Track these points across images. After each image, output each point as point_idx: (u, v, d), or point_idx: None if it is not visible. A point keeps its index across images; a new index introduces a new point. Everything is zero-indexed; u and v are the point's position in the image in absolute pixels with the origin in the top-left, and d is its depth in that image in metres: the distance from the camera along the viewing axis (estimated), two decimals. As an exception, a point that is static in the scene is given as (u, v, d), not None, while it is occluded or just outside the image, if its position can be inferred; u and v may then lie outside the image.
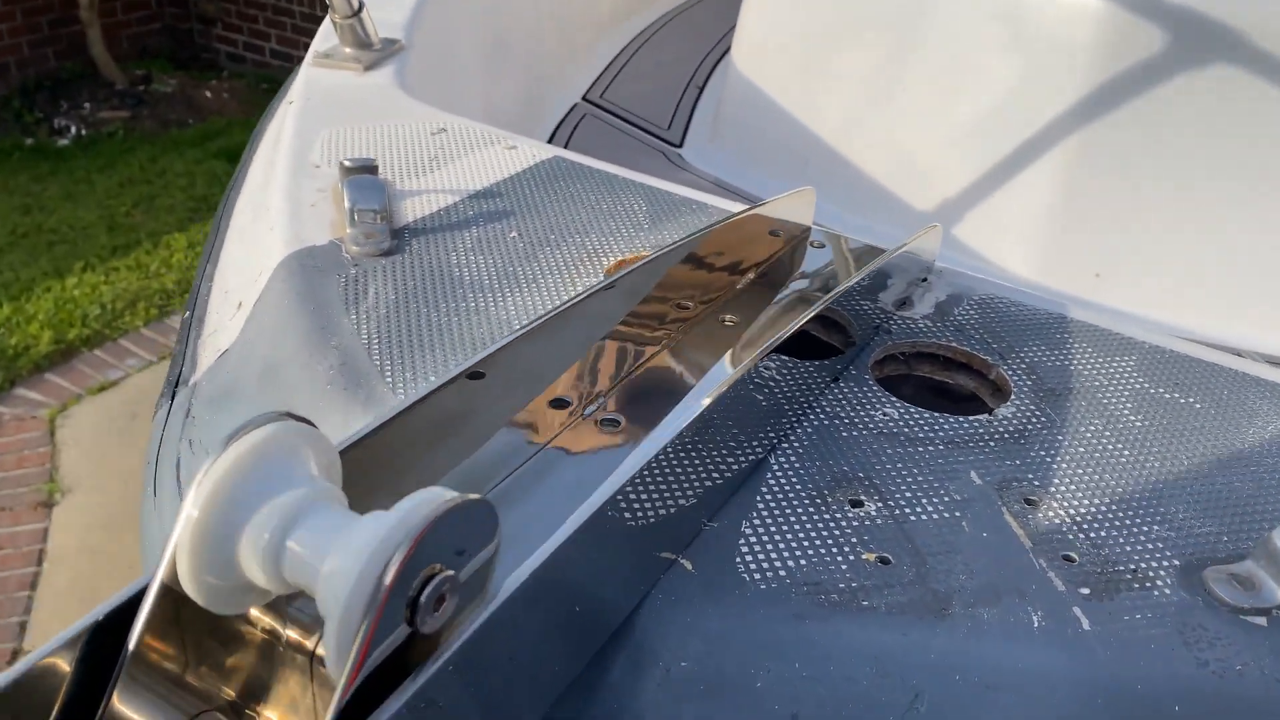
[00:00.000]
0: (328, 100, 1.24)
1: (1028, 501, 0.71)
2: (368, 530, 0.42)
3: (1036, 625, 0.61)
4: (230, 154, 4.49)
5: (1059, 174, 1.82)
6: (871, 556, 0.65)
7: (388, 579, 0.40)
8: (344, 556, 0.42)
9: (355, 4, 1.32)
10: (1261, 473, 0.76)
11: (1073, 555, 0.66)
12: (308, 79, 1.29)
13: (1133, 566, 0.66)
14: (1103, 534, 0.68)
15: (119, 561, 2.41)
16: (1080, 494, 0.72)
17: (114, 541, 2.46)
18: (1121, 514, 0.70)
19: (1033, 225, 1.86)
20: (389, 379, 0.77)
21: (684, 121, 2.45)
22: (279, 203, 1.00)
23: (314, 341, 0.81)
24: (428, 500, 0.43)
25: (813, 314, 0.80)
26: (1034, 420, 0.79)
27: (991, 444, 0.76)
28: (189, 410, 0.86)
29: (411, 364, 0.79)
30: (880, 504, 0.69)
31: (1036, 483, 0.73)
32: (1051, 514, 0.70)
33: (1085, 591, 0.63)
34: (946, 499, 0.70)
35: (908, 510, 0.69)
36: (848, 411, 0.78)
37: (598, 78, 2.63)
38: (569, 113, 2.44)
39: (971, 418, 0.79)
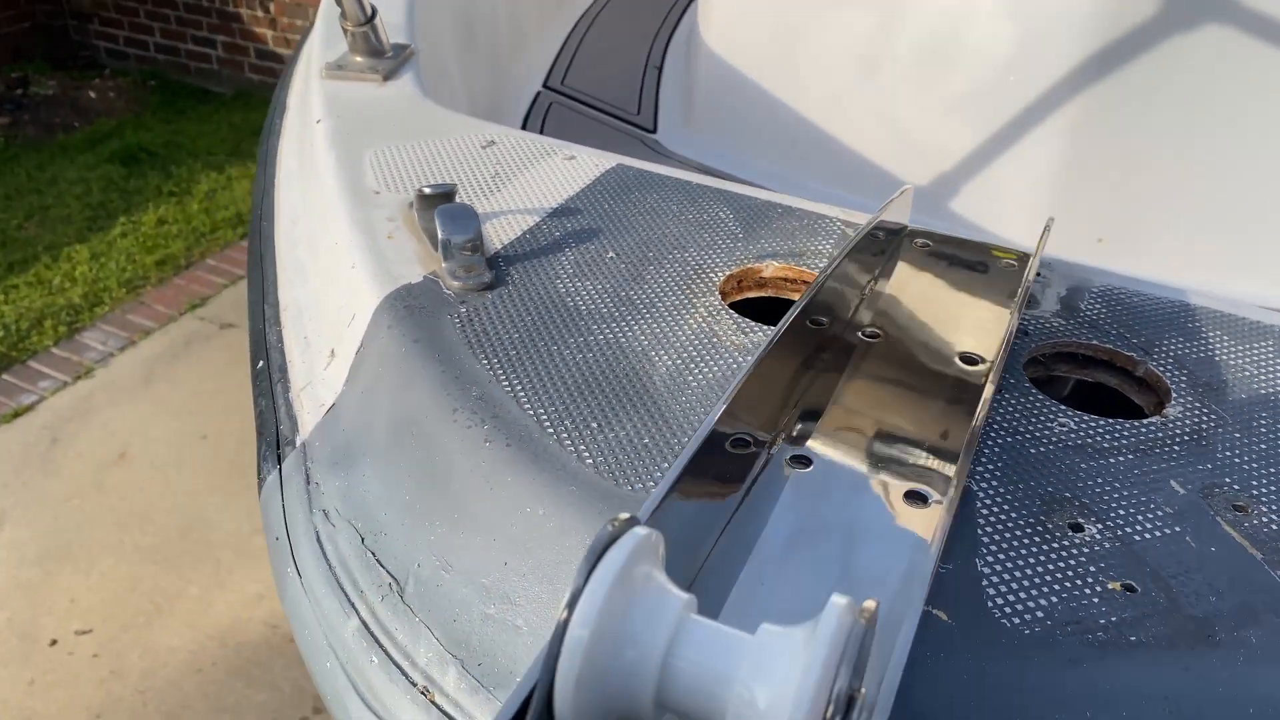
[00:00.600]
0: (358, 117, 1.16)
1: (1237, 509, 0.69)
2: (791, 653, 0.38)
3: (1305, 644, 0.60)
4: (125, 156, 4.24)
5: (1057, 140, 1.83)
6: (1117, 585, 0.63)
7: (829, 710, 0.36)
8: (770, 684, 0.37)
9: (368, 10, 1.24)
10: None
11: (1306, 563, 0.65)
12: (328, 95, 1.20)
13: (1367, 569, 0.65)
14: (1323, 537, 0.67)
15: (60, 595, 2.29)
16: (1283, 495, 0.71)
17: (51, 577, 2.34)
18: (1331, 513, 0.69)
19: (1032, 193, 1.87)
20: (550, 430, 0.71)
21: (651, 104, 2.40)
22: (354, 237, 0.93)
23: (449, 392, 0.75)
24: (839, 614, 0.38)
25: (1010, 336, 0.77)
26: (1207, 419, 0.78)
27: (1177, 448, 0.74)
28: (308, 476, 0.79)
29: (567, 411, 0.73)
30: (1099, 526, 0.67)
31: (1238, 487, 0.71)
32: (1265, 519, 0.68)
33: (1334, 602, 0.62)
34: (1160, 514, 0.68)
35: (1129, 530, 0.67)
36: (1025, 426, 0.76)
37: (554, 63, 2.56)
38: (534, 102, 2.36)
39: (1146, 421, 0.77)
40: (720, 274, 0.92)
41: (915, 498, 0.67)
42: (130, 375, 3.04)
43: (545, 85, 2.45)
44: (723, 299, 0.89)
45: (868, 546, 0.63)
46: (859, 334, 0.83)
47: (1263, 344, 0.87)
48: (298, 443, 0.82)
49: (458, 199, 0.96)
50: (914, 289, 0.91)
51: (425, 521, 0.70)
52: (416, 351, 0.79)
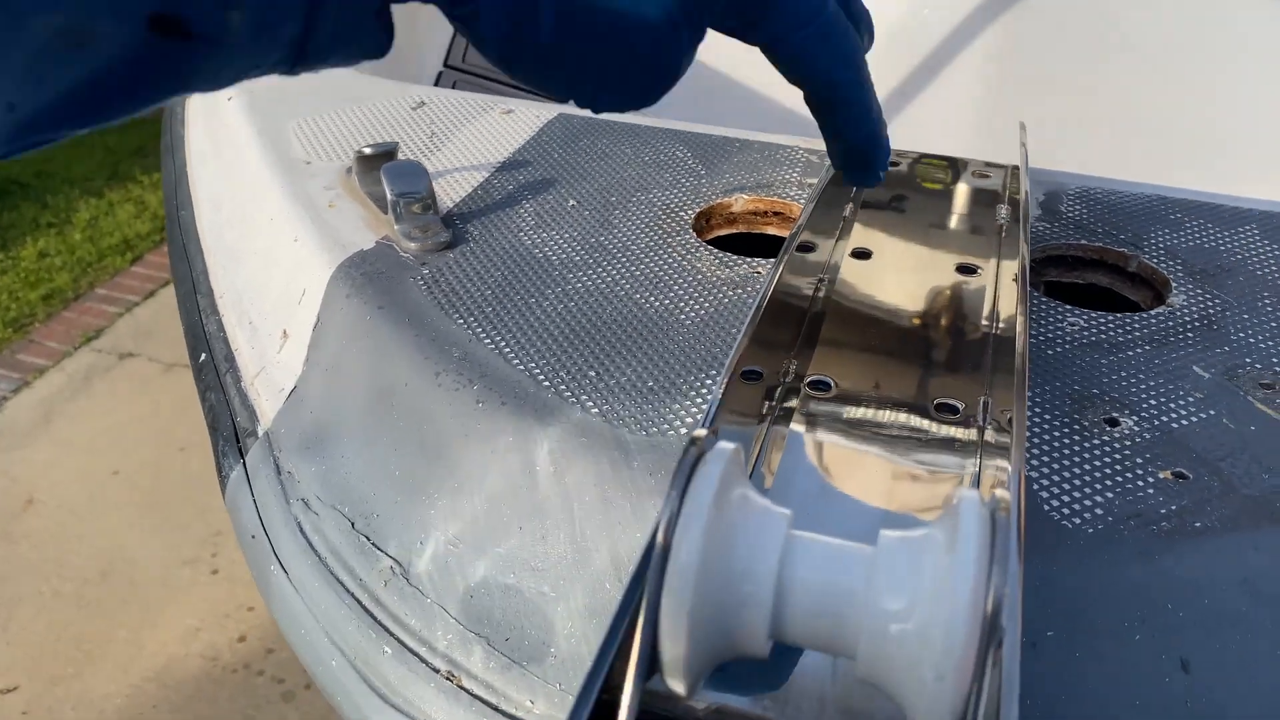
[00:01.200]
0: (272, 89, 1.08)
1: (1264, 386, 0.67)
2: (933, 558, 0.33)
3: (1368, 510, 0.57)
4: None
5: (977, 68, 1.82)
6: (1168, 474, 0.60)
7: (1000, 618, 0.31)
8: (915, 594, 0.32)
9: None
10: None
11: (1347, 431, 0.63)
12: (235, 70, 1.11)
13: (1406, 431, 0.63)
14: (1354, 404, 0.66)
15: None
16: (1304, 369, 0.69)
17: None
18: (1356, 381, 0.68)
19: (956, 121, 1.86)
20: (547, 384, 0.66)
21: None
22: (293, 210, 0.85)
23: (428, 355, 0.69)
24: (977, 508, 0.34)
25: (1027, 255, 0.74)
26: (1212, 304, 0.76)
27: (1190, 335, 0.72)
28: (278, 466, 0.71)
29: (560, 363, 0.68)
30: (1134, 418, 0.64)
31: (1260, 365, 0.69)
32: (1294, 394, 0.67)
33: (1385, 465, 0.61)
34: (1191, 400, 0.66)
35: (1165, 419, 0.64)
36: (1036, 328, 0.73)
37: (452, 41, 2.47)
38: (438, 82, 2.28)
39: (1154, 313, 0.75)
40: (690, 212, 0.87)
41: (946, 409, 0.63)
42: (28, 418, 2.86)
43: (446, 64, 2.37)
44: (698, 237, 0.84)
45: (909, 461, 0.59)
46: (846, 255, 0.79)
47: (1247, 227, 0.86)
48: (260, 433, 0.75)
49: (399, 157, 0.89)
50: (893, 209, 0.87)
51: (422, 496, 0.64)
52: (383, 318, 0.73)
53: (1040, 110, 1.83)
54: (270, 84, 1.05)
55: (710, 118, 2.08)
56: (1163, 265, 0.80)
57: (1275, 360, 0.70)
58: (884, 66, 1.89)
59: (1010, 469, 0.50)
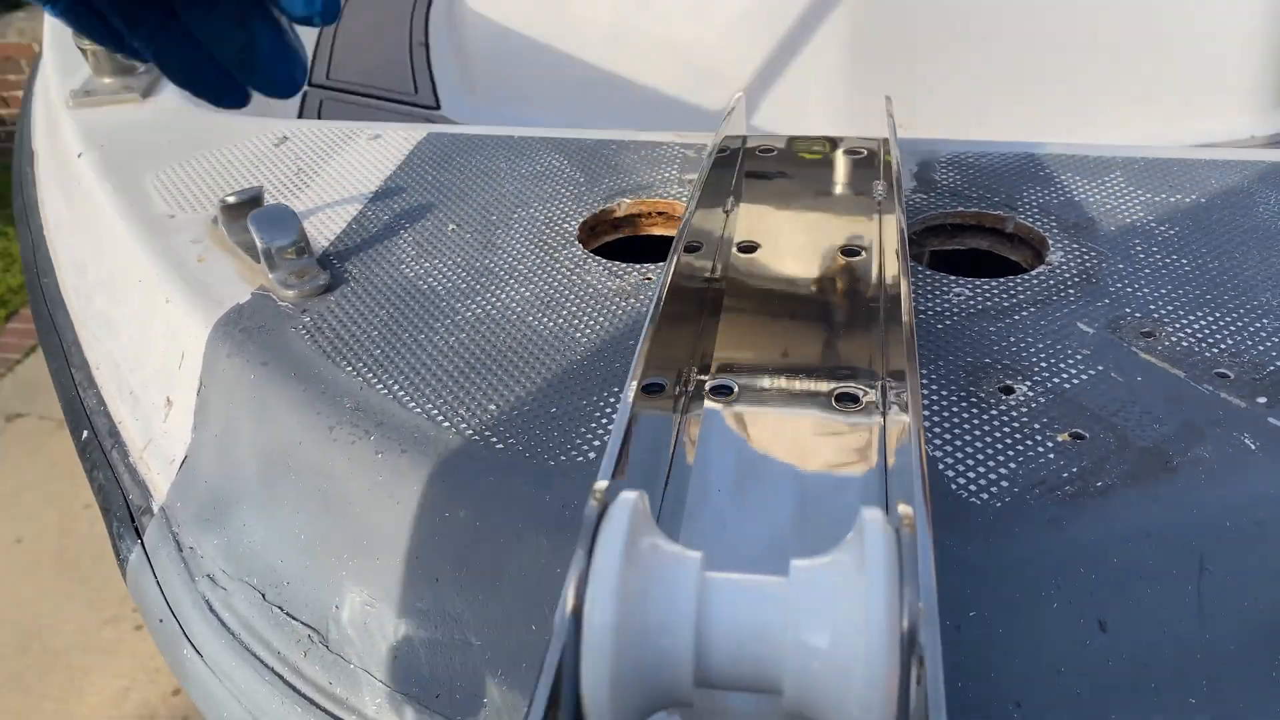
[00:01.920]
0: (125, 142, 1.03)
1: (1145, 334, 0.69)
2: (843, 583, 0.33)
3: (1253, 447, 0.60)
4: None
5: (841, 38, 1.84)
6: (1065, 436, 0.61)
7: (919, 635, 0.32)
8: (830, 623, 0.32)
9: (106, 22, 1.10)
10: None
11: (1225, 372, 0.65)
12: (83, 125, 1.06)
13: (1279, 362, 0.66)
14: (1230, 342, 0.68)
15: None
16: (1180, 312, 0.71)
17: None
18: (1229, 319, 0.70)
19: (829, 90, 1.88)
20: (446, 424, 0.64)
21: (428, 82, 2.29)
22: (160, 269, 0.82)
23: (319, 410, 0.67)
24: (881, 528, 0.34)
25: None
26: (1088, 257, 0.78)
27: (1072, 292, 0.74)
28: (179, 543, 0.69)
29: (458, 400, 0.66)
30: (1028, 384, 0.66)
31: (1139, 314, 0.71)
32: (1173, 339, 0.69)
33: (1263, 400, 0.63)
34: (1079, 358, 0.67)
35: (1057, 381, 0.66)
36: (924, 303, 0.74)
37: (313, 58, 2.40)
38: (303, 102, 2.21)
39: (1035, 273, 0.77)
40: (574, 223, 0.86)
41: (846, 399, 0.64)
42: (-85, 493, 2.72)
43: (310, 83, 2.30)
44: (584, 248, 0.83)
45: (816, 458, 0.60)
46: (734, 251, 0.79)
47: (1112, 175, 0.88)
48: (155, 509, 0.72)
49: (266, 201, 0.86)
50: (773, 197, 0.87)
51: (333, 557, 0.62)
52: (268, 375, 0.70)
53: (908, 75, 1.86)
54: (120, 135, 1.01)
55: (588, 119, 2.06)
56: (1038, 223, 0.82)
57: (1153, 308, 0.72)
58: (749, 47, 1.90)
59: (912, 460, 0.50)
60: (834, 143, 0.93)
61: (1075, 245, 0.79)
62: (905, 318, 0.58)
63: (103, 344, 0.86)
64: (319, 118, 2.12)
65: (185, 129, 1.05)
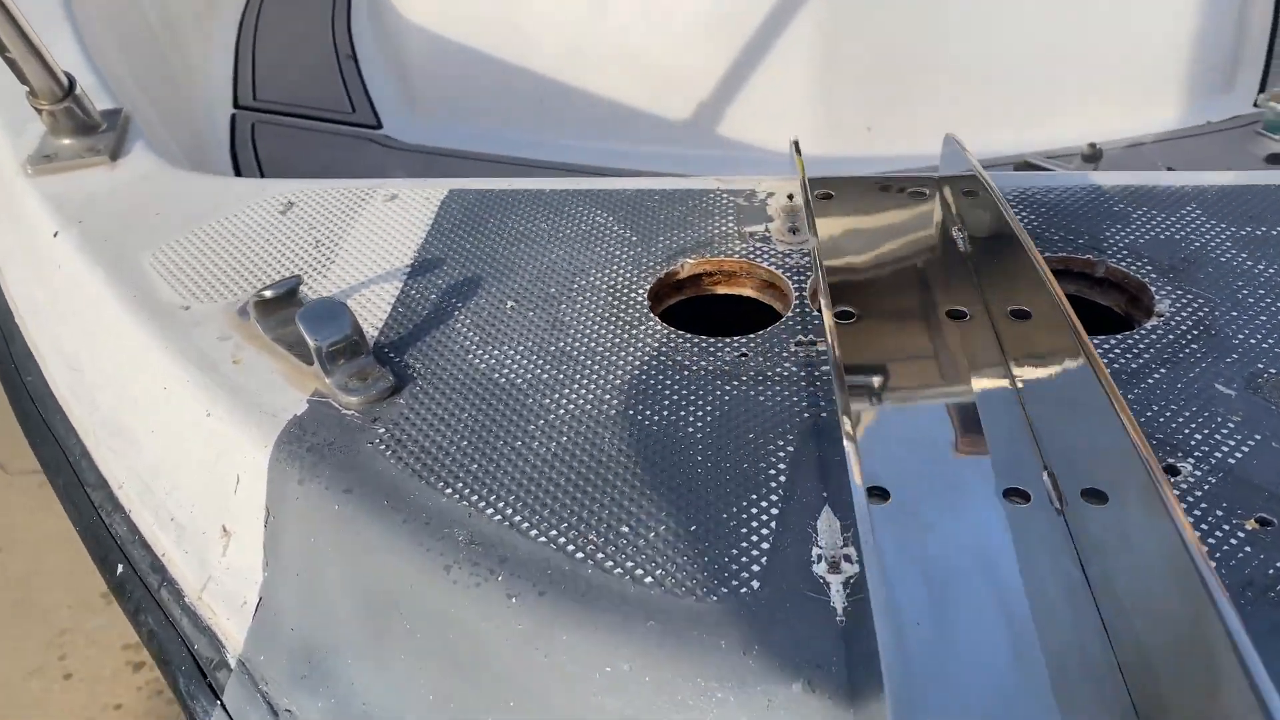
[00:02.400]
0: (107, 215, 0.92)
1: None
2: None
3: None
4: None
5: (807, 41, 1.80)
6: (1253, 524, 0.58)
7: None
8: None
9: (65, 80, 0.98)
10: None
11: None
12: (50, 196, 0.95)
13: None
14: None
15: None
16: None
17: None
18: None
19: (795, 100, 1.84)
20: (580, 555, 0.58)
21: (364, 98, 2.17)
22: (190, 374, 0.73)
23: (428, 544, 0.59)
24: None
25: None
26: (1197, 305, 0.75)
27: (1194, 347, 0.71)
28: (271, 704, 0.60)
29: (583, 521, 0.60)
30: (1190, 461, 0.62)
31: (1274, 369, 0.68)
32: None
33: None
34: (1231, 426, 0.64)
35: (1219, 456, 0.62)
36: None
37: (235, 80, 2.25)
38: (233, 128, 2.07)
39: (1150, 327, 0.73)
40: (640, 291, 0.80)
41: (1015, 494, 0.60)
42: None
43: (237, 105, 2.16)
44: (659, 320, 0.77)
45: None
46: (836, 318, 0.74)
47: (1188, 208, 0.86)
48: (231, 662, 0.63)
49: (302, 290, 0.78)
50: (843, 247, 0.82)
51: (472, 723, 0.55)
52: (355, 504, 0.62)
53: (874, 79, 1.83)
54: (98, 207, 0.90)
55: (546, 134, 1.98)
56: (1131, 267, 0.79)
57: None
58: (711, 54, 1.84)
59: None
60: (880, 183, 0.89)
61: (1178, 292, 0.76)
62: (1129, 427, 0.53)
63: (123, 459, 0.77)
64: (255, 144, 2.00)
65: (171, 196, 0.95)
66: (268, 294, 0.74)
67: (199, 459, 0.71)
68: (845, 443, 0.55)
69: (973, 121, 1.82)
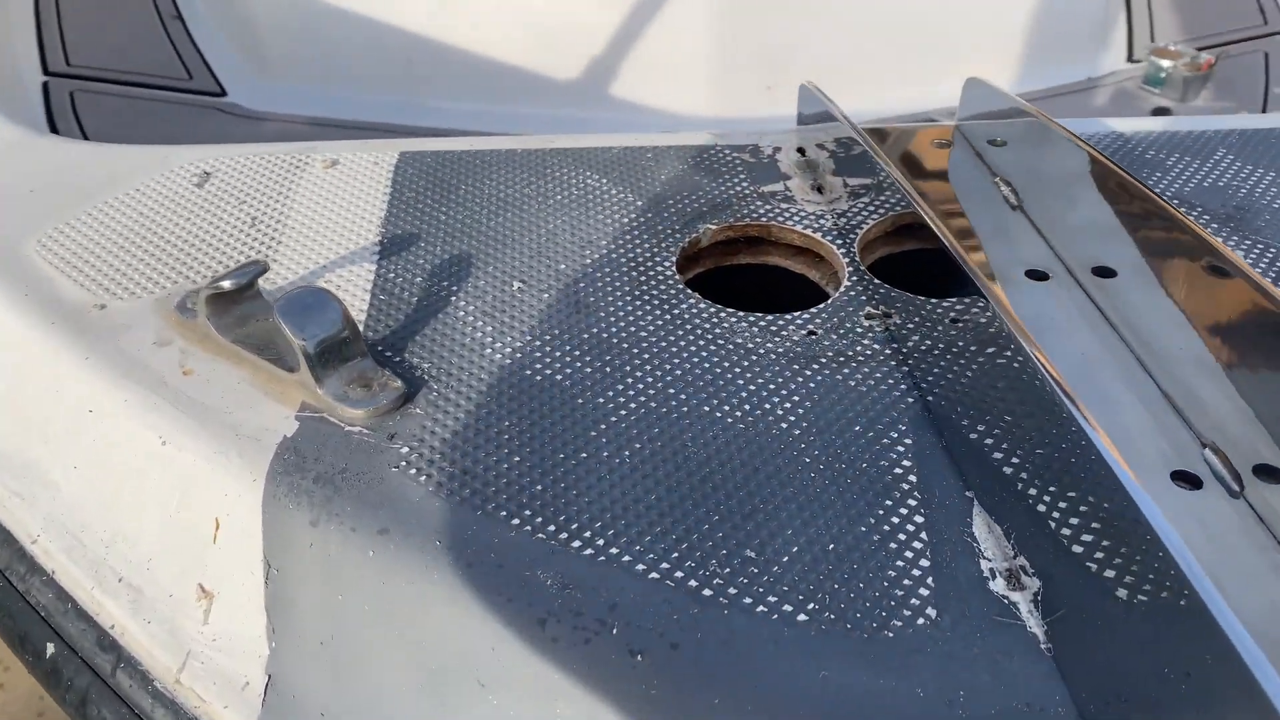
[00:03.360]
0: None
1: None
2: None
3: None
4: None
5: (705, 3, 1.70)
6: None
7: None
8: None
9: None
10: None
11: None
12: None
13: None
14: None
15: None
16: None
17: None
18: None
19: (695, 57, 1.74)
20: (709, 592, 0.46)
21: (199, 63, 1.93)
22: (134, 394, 0.56)
23: (513, 596, 0.47)
24: None
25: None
26: (1270, 252, 0.70)
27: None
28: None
29: (698, 548, 0.48)
30: None
31: None
32: None
33: None
34: None
35: None
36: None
37: (40, 44, 1.95)
38: (46, 97, 1.79)
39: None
40: (667, 264, 0.68)
41: (1181, 479, 0.52)
42: None
43: (48, 72, 1.87)
44: (700, 296, 0.66)
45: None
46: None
47: (1219, 153, 0.81)
48: (241, 766, 0.49)
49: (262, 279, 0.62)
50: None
51: (611, 821, 0.43)
52: (397, 547, 0.49)
53: (775, 33, 1.75)
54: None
55: (416, 96, 1.80)
56: (1193, 215, 0.73)
57: None
58: (605, 10, 1.72)
59: None
60: (915, 130, 0.80)
61: (1246, 242, 0.71)
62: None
63: (35, 507, 0.59)
64: (77, 115, 1.73)
65: (56, 167, 0.76)
66: (226, 284, 0.58)
67: (154, 500, 0.55)
68: (1090, 425, 0.45)
69: (867, 77, 1.78)
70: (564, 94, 1.74)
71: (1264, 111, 1.53)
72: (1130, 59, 1.95)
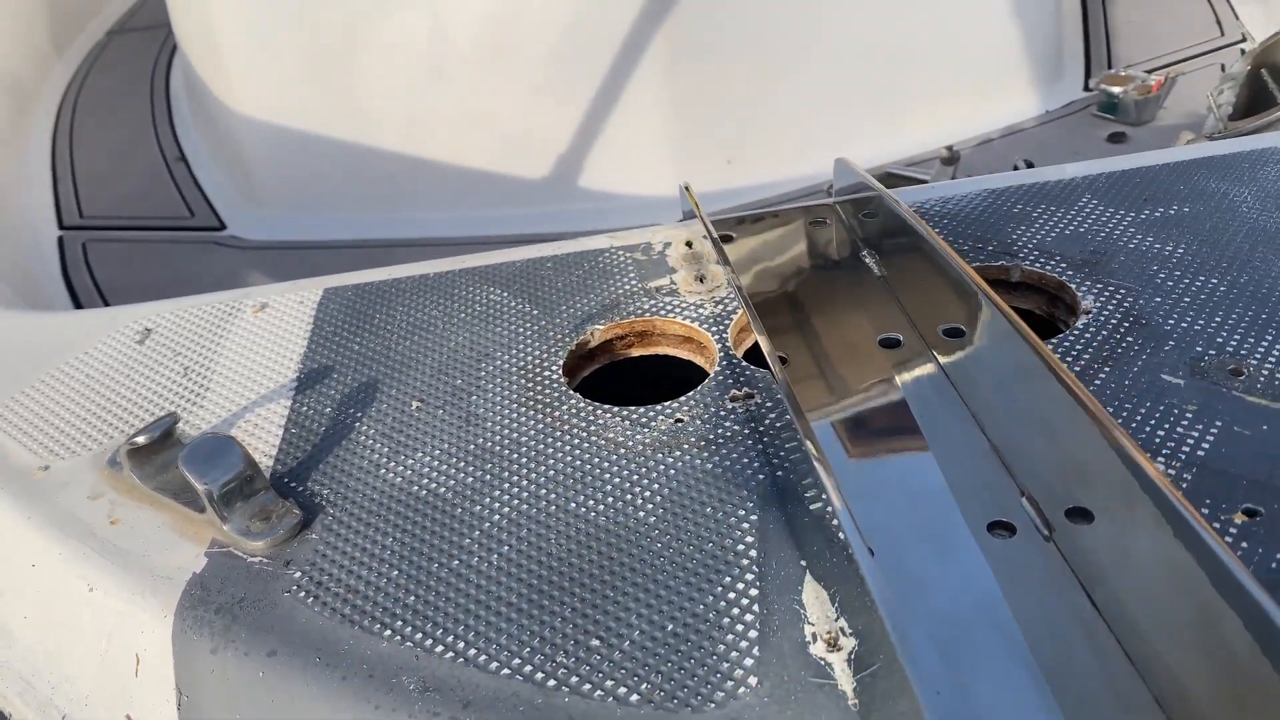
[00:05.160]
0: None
1: (1233, 373, 0.65)
2: None
3: None
4: None
5: (655, 84, 1.78)
6: (1240, 516, 0.55)
7: None
8: None
9: None
10: None
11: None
12: None
13: None
14: None
15: None
16: (1250, 339, 0.68)
17: None
18: None
19: (655, 141, 1.82)
20: (553, 683, 0.51)
21: (201, 201, 2.06)
22: (61, 545, 0.63)
23: (379, 702, 0.52)
24: None
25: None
26: (1120, 296, 0.73)
27: (1130, 339, 0.69)
28: None
29: (547, 642, 0.53)
30: (1161, 459, 0.60)
31: (1212, 351, 0.67)
32: (1264, 371, 0.65)
33: None
34: (1190, 417, 0.62)
35: (1187, 449, 0.60)
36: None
37: (56, 200, 2.10)
38: (62, 252, 1.93)
39: (1083, 325, 0.71)
40: (554, 369, 0.74)
41: (999, 528, 0.56)
42: None
43: (63, 226, 2.01)
44: (580, 396, 0.71)
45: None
46: (780, 365, 0.70)
47: (1083, 199, 0.85)
48: None
49: (180, 428, 0.69)
50: (756, 288, 0.79)
51: None
52: (283, 667, 0.54)
53: (724, 112, 1.82)
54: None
55: (398, 210, 1.90)
56: (1046, 266, 0.77)
57: (1220, 340, 0.68)
58: (559, 106, 1.81)
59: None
60: (778, 215, 0.86)
61: (1099, 285, 0.75)
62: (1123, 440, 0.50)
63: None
64: (89, 265, 1.86)
65: (17, 339, 0.85)
66: (141, 439, 0.65)
67: (87, 642, 0.61)
68: (835, 500, 0.50)
69: (825, 140, 1.84)
70: (536, 193, 1.83)
71: (1219, 122, 1.56)
72: (1087, 88, 1.99)
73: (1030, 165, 1.57)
